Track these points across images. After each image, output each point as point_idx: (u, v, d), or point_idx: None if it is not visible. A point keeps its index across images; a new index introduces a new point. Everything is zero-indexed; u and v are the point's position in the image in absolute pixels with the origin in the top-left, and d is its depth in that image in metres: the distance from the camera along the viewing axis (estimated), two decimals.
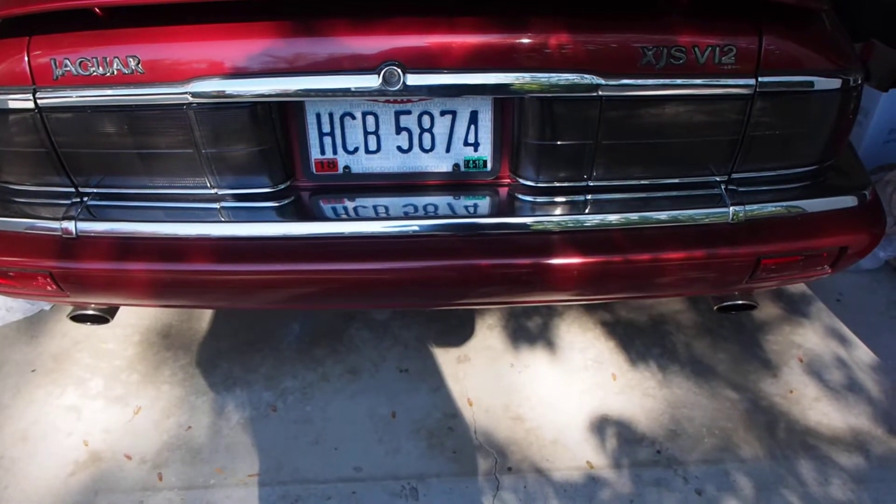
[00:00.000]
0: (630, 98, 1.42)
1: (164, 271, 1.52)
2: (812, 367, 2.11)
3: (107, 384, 2.10)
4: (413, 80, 1.37)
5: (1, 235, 1.55)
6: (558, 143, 1.48)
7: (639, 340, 2.19)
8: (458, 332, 2.24)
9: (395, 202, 1.57)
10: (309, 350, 2.19)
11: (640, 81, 1.40)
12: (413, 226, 1.51)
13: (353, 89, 1.38)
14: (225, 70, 1.38)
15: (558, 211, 1.55)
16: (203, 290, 1.61)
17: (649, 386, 2.06)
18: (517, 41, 1.38)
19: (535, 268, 1.54)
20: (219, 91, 1.38)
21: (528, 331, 2.24)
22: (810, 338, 2.20)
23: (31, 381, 2.12)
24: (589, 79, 1.38)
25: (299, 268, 1.52)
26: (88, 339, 2.23)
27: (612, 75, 1.39)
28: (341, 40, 1.37)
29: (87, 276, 1.54)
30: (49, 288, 1.57)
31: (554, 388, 2.06)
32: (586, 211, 1.54)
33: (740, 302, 1.71)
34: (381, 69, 1.37)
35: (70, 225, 1.51)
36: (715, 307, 1.75)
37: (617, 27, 1.39)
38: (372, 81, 1.37)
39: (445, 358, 2.15)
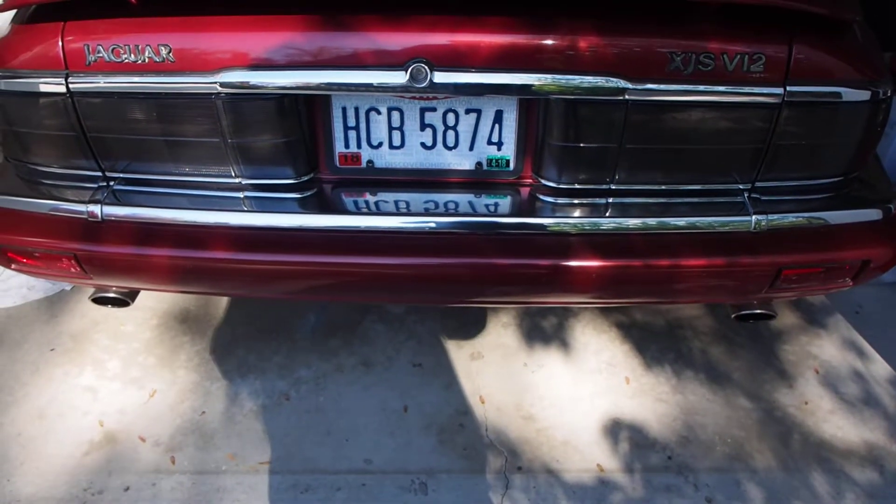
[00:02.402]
0: (656, 103, 1.41)
1: (187, 258, 1.53)
2: (828, 379, 2.10)
3: (124, 366, 2.13)
4: (440, 77, 1.38)
5: (28, 216, 1.57)
6: (582, 145, 1.48)
7: (654, 344, 2.19)
8: (473, 328, 2.25)
9: (417, 198, 1.57)
10: (324, 341, 2.21)
11: (667, 87, 1.40)
12: (433, 222, 1.52)
13: (379, 85, 1.39)
14: (254, 61, 1.39)
15: (579, 213, 1.55)
16: (224, 278, 1.63)
17: (663, 391, 2.06)
18: (545, 42, 1.38)
19: (554, 269, 1.54)
20: (247, 82, 1.39)
21: (543, 330, 2.24)
22: (827, 349, 2.19)
23: (50, 359, 2.15)
24: (616, 82, 1.38)
25: (319, 259, 1.54)
26: (107, 320, 2.26)
27: (639, 79, 1.39)
28: (370, 36, 1.38)
29: (110, 260, 1.56)
30: (73, 270, 1.59)
31: (567, 389, 2.06)
32: (607, 214, 1.54)
33: (759, 311, 1.70)
34: (409, 66, 1.37)
35: (96, 208, 1.53)
36: (733, 315, 1.74)
37: (646, 31, 1.39)
38: (399, 78, 1.38)
39: (459, 354, 2.16)
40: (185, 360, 2.15)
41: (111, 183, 1.58)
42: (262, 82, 1.40)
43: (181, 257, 1.54)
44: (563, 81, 1.38)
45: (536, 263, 1.53)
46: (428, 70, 1.37)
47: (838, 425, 1.97)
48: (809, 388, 2.07)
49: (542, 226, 1.53)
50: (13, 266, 1.64)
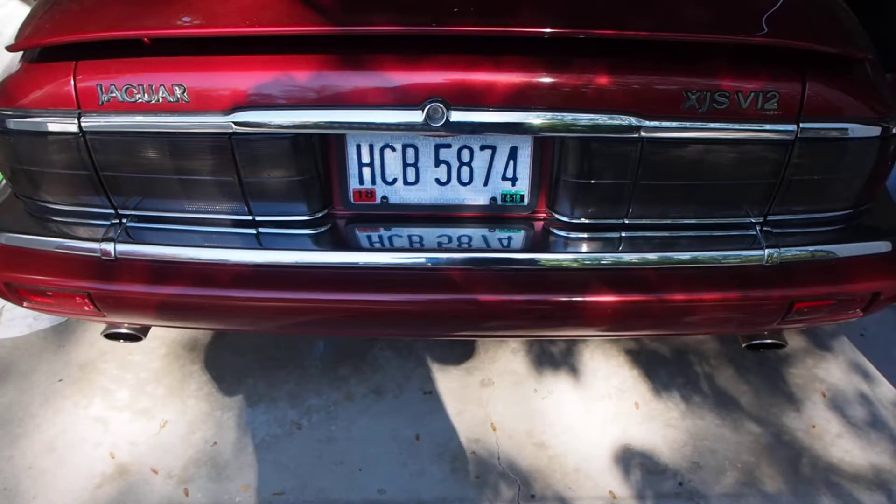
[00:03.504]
0: (671, 140, 1.43)
1: (202, 296, 1.53)
2: (835, 403, 2.11)
3: (133, 396, 2.12)
4: (456, 116, 1.38)
5: (40, 255, 1.57)
6: (597, 181, 1.49)
7: (662, 369, 2.20)
8: (482, 355, 2.25)
9: (432, 234, 1.57)
10: (333, 368, 2.21)
11: (682, 124, 1.41)
12: (448, 258, 1.52)
13: (396, 124, 1.40)
14: (269, 100, 1.40)
15: (593, 248, 1.56)
16: (240, 316, 1.63)
17: (672, 416, 2.06)
18: (560, 81, 1.39)
19: (569, 304, 1.54)
20: (262, 121, 1.40)
21: (552, 356, 2.24)
22: (833, 372, 2.20)
23: (59, 390, 2.14)
24: (631, 120, 1.39)
25: (335, 297, 1.54)
26: (115, 349, 2.25)
27: (654, 118, 1.40)
28: (386, 75, 1.38)
29: (124, 298, 1.56)
30: (86, 308, 1.58)
31: (577, 416, 2.06)
32: (621, 249, 1.55)
33: (769, 341, 1.71)
34: (425, 105, 1.38)
35: (109, 247, 1.53)
36: (744, 345, 1.75)
37: (660, 70, 1.40)
38: (415, 117, 1.38)
39: (469, 381, 2.16)
40: (195, 389, 2.14)
41: (124, 220, 1.57)
42: (277, 122, 1.40)
43: (196, 295, 1.53)
44: (579, 120, 1.39)
45: (552, 298, 1.54)
46: (444, 109, 1.38)
47: (846, 449, 1.99)
48: (817, 412, 2.09)
49: (556, 260, 1.54)
50: (25, 304, 1.64)
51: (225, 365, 2.22)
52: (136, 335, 1.75)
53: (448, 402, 2.11)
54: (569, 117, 1.39)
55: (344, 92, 1.39)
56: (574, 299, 1.53)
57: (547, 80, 1.38)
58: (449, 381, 2.16)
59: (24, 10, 2.95)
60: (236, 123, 1.40)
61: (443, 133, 1.43)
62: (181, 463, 1.94)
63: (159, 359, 2.23)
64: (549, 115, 1.39)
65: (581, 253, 1.54)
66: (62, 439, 2.00)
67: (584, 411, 2.08)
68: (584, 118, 1.39)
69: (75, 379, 2.18)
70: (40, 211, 1.61)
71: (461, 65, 1.38)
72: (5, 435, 2.01)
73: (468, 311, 1.56)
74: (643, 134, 1.40)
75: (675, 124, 1.41)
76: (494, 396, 2.12)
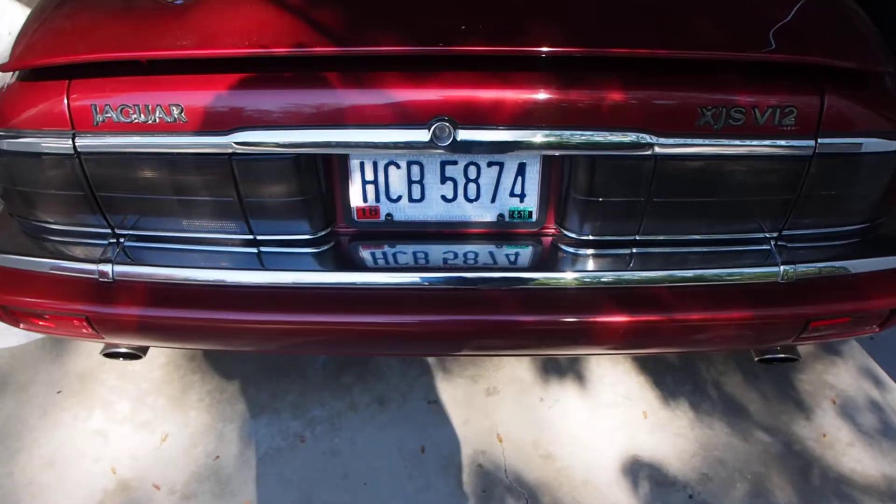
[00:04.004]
0: (685, 157, 1.38)
1: (203, 318, 1.49)
2: (845, 410, 2.09)
3: (133, 408, 2.09)
4: (464, 135, 1.34)
5: (36, 277, 1.52)
6: (608, 199, 1.45)
7: (669, 376, 2.17)
8: (487, 362, 2.22)
9: (438, 251, 1.53)
10: (336, 377, 2.18)
11: (696, 141, 1.36)
12: (455, 277, 1.48)
13: (401, 143, 1.35)
14: (270, 120, 1.35)
15: (604, 265, 1.52)
16: (242, 338, 1.59)
17: (681, 425, 2.04)
18: (571, 98, 1.34)
19: (578, 322, 1.51)
20: (263, 142, 1.35)
21: (557, 363, 2.21)
22: (843, 378, 2.18)
23: (57, 402, 2.11)
24: (643, 138, 1.35)
25: (338, 318, 1.50)
26: (114, 359, 2.22)
27: (667, 135, 1.35)
28: (390, 93, 1.33)
29: (123, 321, 1.52)
30: (84, 330, 1.55)
31: (584, 425, 2.04)
32: (632, 266, 1.51)
33: (782, 355, 1.68)
34: (432, 124, 1.33)
35: (107, 268, 1.48)
36: (756, 359, 1.72)
37: (674, 86, 1.35)
38: (422, 136, 1.34)
39: (474, 389, 2.14)
40: (196, 400, 2.11)
41: (121, 240, 1.53)
42: (279, 142, 1.35)
43: (197, 318, 1.50)
44: (590, 138, 1.35)
45: (562, 318, 1.50)
46: (451, 128, 1.33)
47: (857, 458, 1.97)
48: (827, 420, 2.06)
49: (565, 278, 1.49)
50: (22, 326, 1.60)
51: (226, 374, 2.19)
52: (136, 353, 1.71)
53: (453, 411, 2.08)
54: (579, 135, 1.35)
55: (347, 111, 1.34)
56: (584, 319, 1.50)
57: (557, 96, 1.33)
58: (453, 390, 2.14)
59: (15, 7, 2.89)
60: (237, 144, 1.35)
61: (449, 152, 1.38)
62: (183, 478, 1.92)
63: (159, 368, 2.20)
64: (559, 132, 1.34)
65: (591, 271, 1.50)
66: (62, 454, 1.97)
67: (591, 420, 2.05)
68: (596, 136, 1.35)
69: (74, 390, 2.14)
70: (35, 230, 1.56)
71: (468, 82, 1.33)
72: (4, 450, 1.98)
73: (476, 331, 1.52)
74: (656, 151, 1.36)
75: (689, 141, 1.36)
76: (500, 405, 2.10)
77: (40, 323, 1.56)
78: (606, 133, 1.35)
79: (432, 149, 1.34)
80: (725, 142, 1.36)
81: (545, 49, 1.30)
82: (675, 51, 1.31)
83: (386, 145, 1.35)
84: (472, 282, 1.48)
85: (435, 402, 2.10)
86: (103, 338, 1.57)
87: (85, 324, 1.52)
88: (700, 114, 1.34)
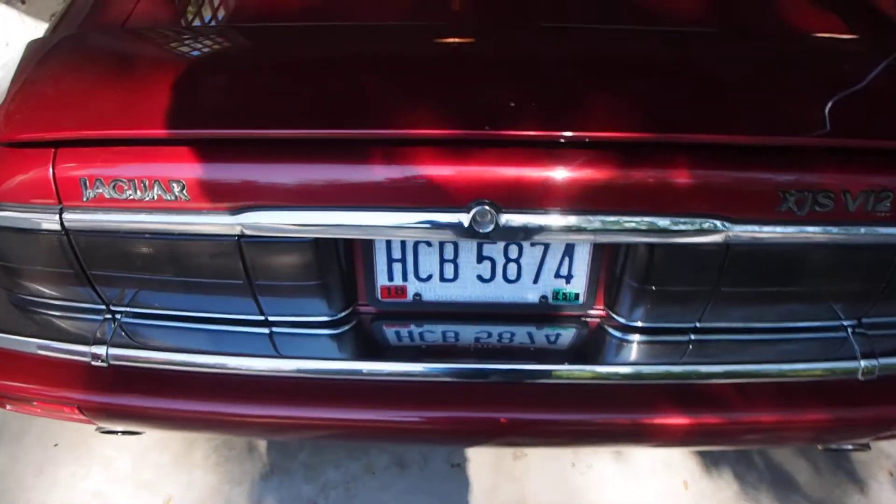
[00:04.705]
0: (761, 245, 1.20)
1: (209, 412, 1.34)
2: None
3: (135, 465, 1.95)
4: (507, 220, 1.15)
5: (21, 359, 1.36)
6: (668, 288, 1.27)
7: None
8: None
9: (471, 337, 1.36)
10: None
11: (775, 229, 1.18)
12: (491, 369, 1.31)
13: (436, 230, 1.17)
14: (284, 200, 1.17)
15: (657, 355, 1.34)
16: (251, 430, 1.43)
17: (725, 497, 1.88)
18: (631, 180, 1.15)
19: (628, 422, 1.34)
20: (277, 224, 1.17)
21: None
22: None
23: (54, 457, 1.97)
24: (714, 225, 1.16)
25: (361, 414, 1.34)
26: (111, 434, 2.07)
27: (742, 221, 1.17)
28: (424, 171, 1.15)
29: (119, 410, 1.36)
30: (75, 416, 1.39)
31: (620, 495, 1.88)
32: (690, 357, 1.34)
33: (851, 447, 1.52)
34: (471, 208, 1.15)
35: (101, 350, 1.31)
36: (821, 448, 1.56)
37: (752, 167, 1.16)
38: (460, 221, 1.15)
39: (500, 452, 1.98)
40: (202, 458, 1.97)
41: (118, 316, 1.37)
42: (294, 224, 1.17)
43: (202, 411, 1.34)
44: (653, 224, 1.16)
45: (610, 415, 1.33)
46: (494, 213, 1.15)
47: None
48: (884, 495, 1.90)
49: (615, 371, 1.32)
50: (8, 407, 1.44)
51: None
52: (135, 431, 1.56)
53: (478, 477, 1.93)
54: (640, 221, 1.16)
55: (374, 190, 1.16)
56: (635, 417, 1.33)
57: (614, 177, 1.14)
58: (479, 453, 1.98)
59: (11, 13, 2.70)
60: (245, 226, 1.18)
61: (491, 239, 1.20)
62: None
63: None
64: (616, 218, 1.16)
65: (643, 361, 1.33)
66: None
67: (628, 490, 1.90)
68: (659, 222, 1.17)
69: (72, 443, 2.00)
70: (22, 302, 1.40)
71: (514, 160, 1.14)
72: None
73: (515, 428, 1.35)
74: (728, 239, 1.18)
75: (767, 229, 1.18)
76: (529, 471, 1.94)
77: (27, 409, 1.41)
78: (671, 219, 1.16)
79: (472, 237, 1.17)
80: (810, 229, 1.18)
81: (610, 134, 1.12)
82: (758, 137, 1.13)
83: (417, 231, 1.18)
84: (511, 374, 1.31)
85: (458, 466, 1.95)
86: (96, 424, 1.42)
87: (76, 411, 1.37)
88: (782, 199, 1.16)
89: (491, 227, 1.16)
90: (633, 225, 1.17)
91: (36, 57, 1.31)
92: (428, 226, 1.17)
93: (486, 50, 1.34)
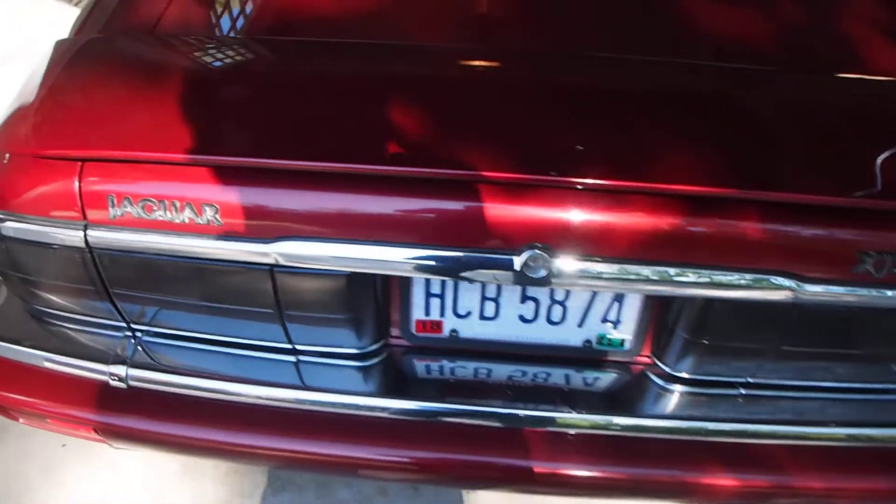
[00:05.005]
0: (831, 306, 1.12)
1: (233, 443, 1.27)
2: None
3: (144, 472, 1.89)
4: (562, 266, 1.08)
5: (35, 372, 1.30)
6: (724, 343, 1.20)
7: None
8: None
9: (505, 376, 1.29)
10: None
11: (850, 290, 1.10)
12: (526, 415, 1.24)
13: (483, 272, 1.09)
14: (324, 231, 1.09)
15: (703, 408, 1.27)
16: (274, 462, 1.37)
17: None
18: (698, 230, 1.07)
19: (668, 477, 1.27)
20: (315, 256, 1.10)
21: None
22: None
23: (61, 459, 1.91)
24: (782, 282, 1.08)
25: (389, 453, 1.27)
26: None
27: (813, 281, 1.09)
28: (474, 210, 1.07)
29: (137, 434, 1.30)
30: (90, 436, 1.33)
31: None
32: (738, 413, 1.26)
33: None
34: (522, 251, 1.07)
35: (121, 370, 1.25)
36: None
37: (828, 224, 1.08)
38: (509, 265, 1.08)
39: None
40: (212, 467, 1.91)
41: (138, 335, 1.30)
42: (332, 257, 1.10)
43: (223, 441, 1.27)
44: (719, 279, 1.08)
45: (650, 470, 1.26)
46: (546, 258, 1.07)
47: None
48: None
49: (658, 425, 1.25)
50: (22, 421, 1.38)
51: None
52: None
53: (497, 500, 1.87)
54: (706, 274, 1.08)
55: (420, 227, 1.09)
56: (674, 473, 1.26)
57: (682, 228, 1.06)
58: None
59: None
60: (281, 255, 1.11)
61: (541, 285, 1.13)
62: None
63: None
64: (680, 270, 1.08)
65: (688, 416, 1.25)
66: None
67: None
68: (726, 277, 1.08)
69: (79, 443, 1.93)
70: (39, 314, 1.33)
71: (571, 202, 1.06)
72: None
73: (544, 478, 1.28)
74: (797, 298, 1.10)
75: (841, 290, 1.09)
76: (547, 499, 1.88)
77: (40, 426, 1.35)
78: (738, 274, 1.09)
79: (522, 283, 1.09)
80: (889, 293, 1.10)
81: (683, 188, 1.04)
82: (843, 198, 1.04)
83: (463, 271, 1.10)
84: (545, 422, 1.24)
85: (473, 492, 1.89)
86: (112, 445, 1.36)
87: (91, 431, 1.31)
88: (859, 259, 1.07)
89: (544, 273, 1.08)
90: (698, 278, 1.08)
91: (64, 61, 1.24)
92: (475, 268, 1.09)
93: (546, 82, 1.24)
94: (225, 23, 1.38)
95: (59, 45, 1.31)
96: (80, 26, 1.40)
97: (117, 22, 1.37)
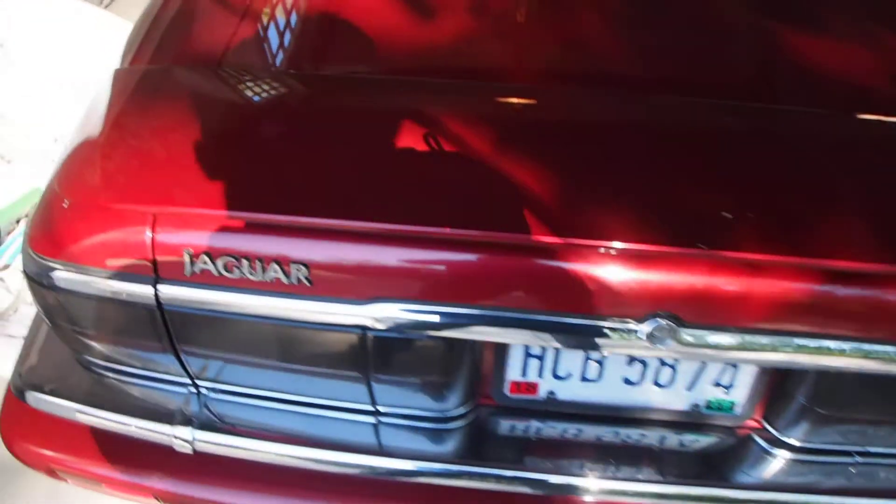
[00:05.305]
0: None
1: None
2: None
3: None
4: (690, 336, 0.97)
5: (88, 432, 1.19)
6: (849, 415, 1.10)
7: None
8: None
9: (604, 441, 1.19)
10: None
11: None
12: (629, 490, 1.14)
13: (602, 343, 0.99)
14: (423, 294, 0.99)
15: (817, 478, 1.17)
16: None
17: None
18: (841, 302, 0.97)
19: None
20: (414, 321, 0.99)
21: None
22: None
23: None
24: None
25: None
26: None
27: None
28: (593, 274, 0.96)
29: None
30: (150, 502, 1.22)
31: None
32: (856, 484, 1.16)
33: None
34: (646, 320, 0.97)
35: (186, 433, 1.14)
36: None
37: None
38: (631, 335, 0.97)
39: None
40: None
41: (203, 391, 1.19)
42: (434, 323, 0.99)
43: None
44: (854, 351, 0.98)
45: None
46: (674, 328, 0.97)
47: None
48: None
49: (768, 498, 1.15)
50: (71, 482, 1.27)
51: None
52: None
53: None
54: (842, 347, 0.98)
55: (531, 291, 0.98)
56: None
57: (823, 299, 0.96)
58: None
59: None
60: (376, 319, 1.00)
61: (666, 357, 1.03)
62: None
63: None
64: (818, 343, 0.98)
65: (799, 486, 1.16)
66: None
67: None
68: (867, 350, 0.99)
69: None
70: (89, 364, 1.22)
71: (705, 269, 0.96)
72: None
73: None
74: None
75: None
76: None
77: (95, 490, 1.24)
78: (876, 346, 0.99)
79: (645, 350, 0.99)
80: None
81: (840, 263, 0.94)
82: None
83: (576, 342, 1.00)
84: (651, 496, 1.14)
85: None
86: None
87: (152, 498, 1.20)
88: None
89: (671, 345, 0.98)
90: (835, 349, 0.98)
91: (126, 94, 1.11)
92: (591, 338, 0.98)
93: (676, 136, 1.12)
94: (303, 56, 1.24)
95: (119, 75, 1.18)
96: (137, 52, 1.27)
97: (177, 50, 1.24)
